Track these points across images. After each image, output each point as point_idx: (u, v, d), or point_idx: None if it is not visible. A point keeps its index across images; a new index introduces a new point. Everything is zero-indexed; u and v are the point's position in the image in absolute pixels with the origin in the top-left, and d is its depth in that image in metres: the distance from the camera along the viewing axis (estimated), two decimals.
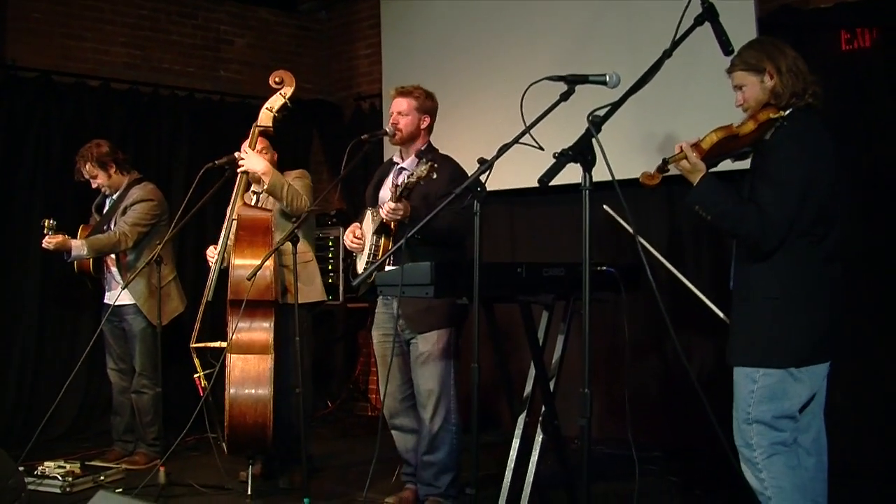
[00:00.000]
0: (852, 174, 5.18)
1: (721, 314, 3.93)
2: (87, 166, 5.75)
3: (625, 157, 5.58)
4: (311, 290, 5.28)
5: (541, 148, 3.07)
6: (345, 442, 6.65)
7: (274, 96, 5.17)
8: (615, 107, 2.58)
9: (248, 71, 7.88)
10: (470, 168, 4.27)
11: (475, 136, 5.17)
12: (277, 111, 5.16)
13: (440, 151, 4.77)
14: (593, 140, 2.46)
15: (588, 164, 2.41)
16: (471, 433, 3.22)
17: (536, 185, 2.60)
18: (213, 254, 5.16)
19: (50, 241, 5.55)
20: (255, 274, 4.56)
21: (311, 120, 8.03)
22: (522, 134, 3.07)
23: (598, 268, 4.31)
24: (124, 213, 5.73)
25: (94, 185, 5.84)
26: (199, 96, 7.49)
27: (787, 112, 3.33)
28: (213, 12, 7.71)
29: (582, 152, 2.39)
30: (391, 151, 5.36)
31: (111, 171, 5.79)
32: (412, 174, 4.22)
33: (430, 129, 4.81)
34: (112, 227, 5.71)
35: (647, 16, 5.78)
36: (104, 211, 5.89)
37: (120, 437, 5.94)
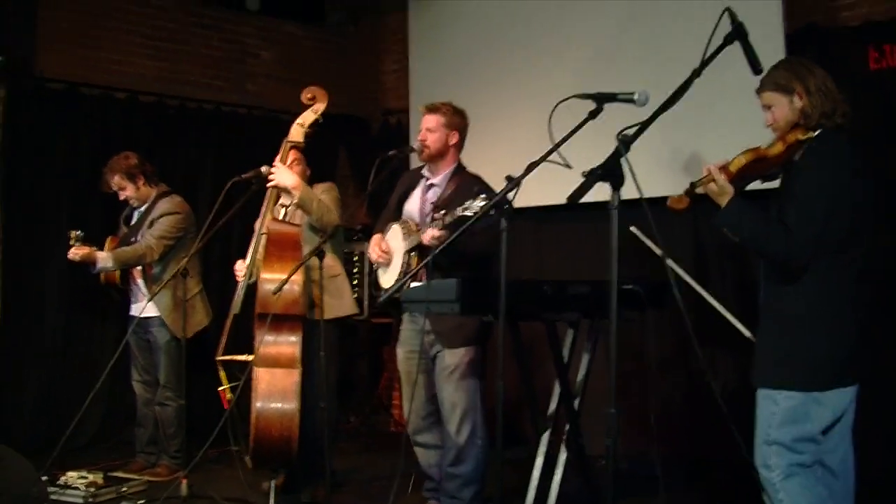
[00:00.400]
0: (882, 191, 5.13)
1: (748, 333, 3.90)
2: (115, 178, 5.77)
3: (651, 175, 5.52)
4: (340, 304, 5.27)
5: (568, 166, 3.07)
6: (367, 456, 6.64)
7: (306, 112, 5.17)
8: (644, 126, 2.57)
9: (275, 85, 7.91)
10: (497, 185, 4.28)
11: (502, 153, 5.17)
12: (309, 126, 5.16)
13: (468, 170, 4.77)
14: (622, 159, 2.45)
15: (617, 184, 2.40)
16: (494, 449, 3.21)
17: (563, 202, 2.59)
18: (241, 268, 5.17)
19: (76, 253, 5.58)
20: (280, 288, 4.57)
21: (337, 135, 8.04)
22: (550, 152, 3.06)
23: (624, 286, 4.30)
24: (151, 225, 5.75)
25: (121, 197, 5.87)
26: (225, 109, 7.52)
27: (817, 133, 3.31)
28: (240, 25, 7.75)
29: (611, 172, 2.38)
30: (417, 162, 5.35)
31: (139, 183, 5.81)
32: (467, 207, 4.05)
33: (459, 146, 4.80)
34: (139, 239, 5.74)
35: (674, 32, 5.77)
36: (132, 223, 5.92)
37: (143, 449, 5.96)
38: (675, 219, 5.73)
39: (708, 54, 2.78)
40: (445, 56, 7.29)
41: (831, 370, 3.26)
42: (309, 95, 5.19)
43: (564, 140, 3.06)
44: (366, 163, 8.00)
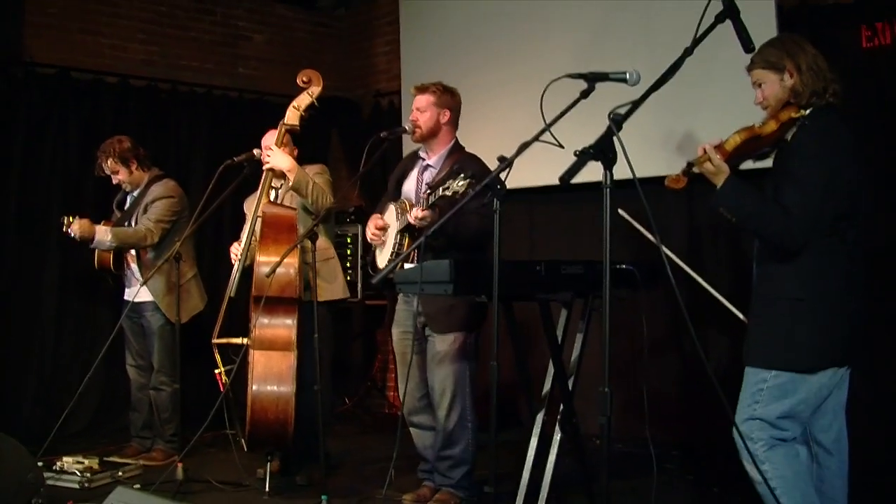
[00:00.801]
0: (874, 171, 5.15)
1: (741, 315, 3.89)
2: (108, 162, 5.75)
3: (643, 154, 5.48)
4: (333, 287, 5.29)
5: (560, 146, 3.07)
6: (362, 439, 6.66)
7: (301, 95, 5.18)
8: (636, 105, 2.57)
9: (267, 68, 7.89)
10: (490, 166, 4.28)
11: (494, 133, 5.17)
12: (304, 110, 5.18)
13: (466, 150, 4.76)
14: (614, 138, 2.44)
15: (609, 163, 2.40)
16: (489, 431, 3.21)
17: (555, 182, 2.59)
18: (237, 250, 5.16)
19: (75, 228, 5.52)
20: (273, 270, 4.58)
21: (329, 117, 8.01)
22: (542, 132, 3.06)
23: (617, 266, 4.30)
24: (146, 210, 5.73)
25: (114, 181, 5.85)
26: (217, 93, 7.50)
27: (808, 111, 3.30)
28: (232, 8, 7.72)
29: (603, 151, 2.38)
30: (410, 148, 5.35)
31: (132, 167, 5.79)
32: (447, 186, 4.09)
33: (453, 123, 4.78)
34: (133, 224, 5.72)
35: (664, 11, 5.76)
36: (125, 207, 5.90)
37: (138, 434, 5.96)
38: (668, 198, 5.78)
39: (699, 33, 2.76)
40: (437, 37, 7.28)
41: (825, 351, 3.26)
42: (304, 78, 5.19)
43: (556, 120, 3.06)
44: (358, 145, 7.93)
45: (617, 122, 2.44)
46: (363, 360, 8.13)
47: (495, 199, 3.04)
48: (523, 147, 3.08)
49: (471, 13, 7.03)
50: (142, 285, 5.54)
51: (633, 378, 5.96)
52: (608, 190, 2.40)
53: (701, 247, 5.87)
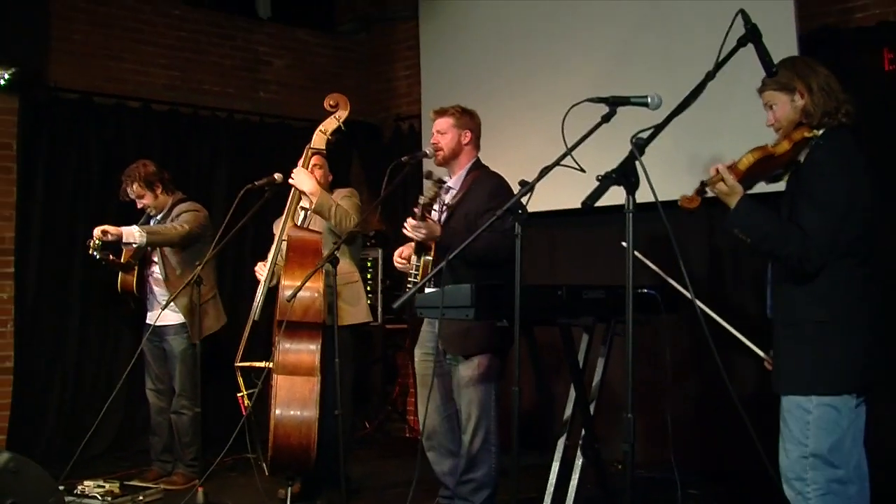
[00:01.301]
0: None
1: (753, 346, 3.75)
2: (133, 186, 5.76)
3: (662, 178, 5.46)
4: (356, 310, 5.28)
5: (582, 170, 3.07)
6: (383, 463, 6.63)
7: (328, 119, 5.21)
8: (658, 129, 2.56)
9: (287, 92, 7.93)
10: (515, 189, 4.26)
11: (514, 157, 5.17)
12: (331, 134, 5.21)
13: (488, 168, 4.77)
14: (636, 163, 2.43)
15: (632, 187, 2.39)
16: (511, 455, 3.19)
17: (575, 206, 2.58)
18: (262, 270, 5.18)
19: (96, 233, 5.48)
20: (294, 295, 4.58)
21: (350, 141, 8.03)
22: (564, 156, 3.06)
23: (639, 290, 4.28)
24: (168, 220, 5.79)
25: (139, 206, 5.86)
26: (238, 117, 7.53)
27: (821, 131, 3.26)
28: (252, 33, 7.77)
29: (626, 175, 2.37)
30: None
31: (157, 191, 5.82)
32: (421, 196, 4.21)
33: (474, 144, 4.78)
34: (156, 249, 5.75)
35: (684, 35, 5.77)
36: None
37: (158, 458, 5.96)
38: (688, 223, 5.76)
39: (721, 56, 2.75)
40: (456, 62, 7.30)
41: (856, 371, 3.20)
42: (332, 102, 5.23)
43: (578, 144, 3.06)
44: (379, 169, 7.98)
45: (639, 146, 2.43)
46: (383, 383, 8.11)
47: (517, 224, 3.02)
48: (545, 171, 3.08)
49: (490, 38, 7.05)
50: (164, 308, 5.54)
51: (655, 403, 5.92)
52: (631, 214, 2.38)
53: (722, 270, 5.84)
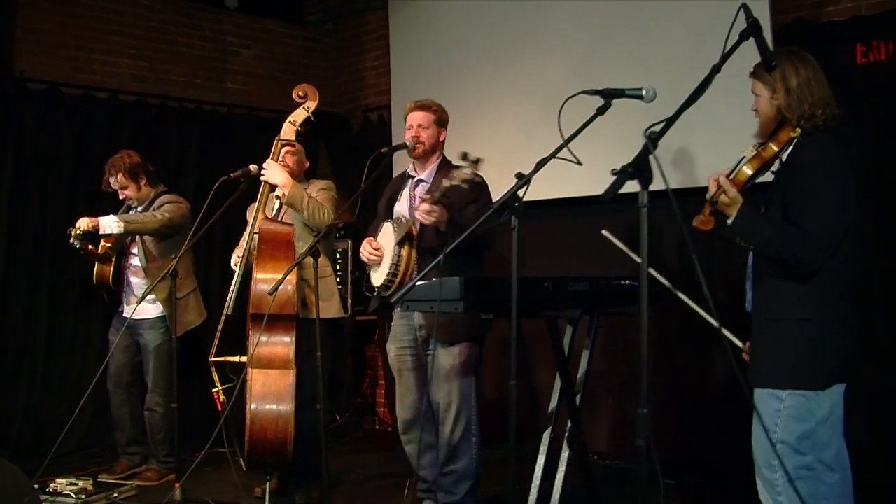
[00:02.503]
0: (872, 188, 5.18)
1: (732, 337, 3.76)
2: (118, 176, 5.67)
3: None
4: (330, 305, 5.24)
5: (579, 163, 3.05)
6: (356, 456, 6.61)
7: (297, 110, 5.15)
8: (670, 122, 2.55)
9: (255, 83, 7.86)
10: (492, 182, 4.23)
11: (484, 147, 5.11)
12: (301, 125, 5.13)
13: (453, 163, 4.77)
14: (650, 156, 2.42)
15: (646, 182, 2.38)
16: (492, 447, 3.18)
17: (552, 197, 2.55)
18: (236, 258, 5.13)
19: (79, 223, 5.43)
20: (276, 288, 4.53)
21: (317, 132, 7.98)
22: (560, 148, 3.05)
23: (622, 281, 4.30)
24: (147, 208, 5.72)
25: (121, 196, 5.77)
26: (207, 108, 7.44)
27: (801, 131, 3.25)
28: (221, 23, 7.68)
29: (640, 169, 2.36)
30: (401, 163, 5.32)
31: (141, 182, 5.74)
32: (452, 177, 4.16)
33: (444, 142, 4.86)
34: (136, 239, 5.68)
35: (661, 27, 5.77)
36: None
37: (124, 451, 5.87)
38: (664, 216, 5.77)
39: (727, 49, 2.76)
40: (427, 52, 7.26)
41: (834, 368, 3.23)
42: (300, 93, 5.16)
43: (573, 136, 3.06)
44: (347, 160, 7.98)
45: (653, 139, 2.42)
46: (353, 376, 8.07)
47: (513, 217, 3.01)
48: (541, 164, 3.07)
49: (461, 28, 7.01)
50: (140, 301, 5.44)
51: (629, 395, 5.95)
52: (645, 209, 2.38)
53: (701, 261, 5.86)
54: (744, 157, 3.29)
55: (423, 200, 4.42)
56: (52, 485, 5.09)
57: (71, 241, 5.44)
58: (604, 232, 4.29)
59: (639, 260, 2.45)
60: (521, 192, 3.04)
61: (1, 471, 4.20)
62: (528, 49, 6.54)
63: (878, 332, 5.04)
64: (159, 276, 5.39)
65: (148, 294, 5.44)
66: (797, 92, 3.25)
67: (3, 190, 6.41)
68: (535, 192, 3.23)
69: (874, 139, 5.21)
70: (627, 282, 4.25)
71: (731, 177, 3.17)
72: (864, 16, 5.33)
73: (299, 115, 5.13)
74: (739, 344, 3.64)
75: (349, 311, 7.29)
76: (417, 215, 4.37)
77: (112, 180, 5.70)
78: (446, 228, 4.39)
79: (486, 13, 6.83)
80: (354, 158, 7.90)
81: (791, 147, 3.29)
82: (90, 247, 5.58)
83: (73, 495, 5.02)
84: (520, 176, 3.04)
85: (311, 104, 5.13)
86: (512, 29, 6.65)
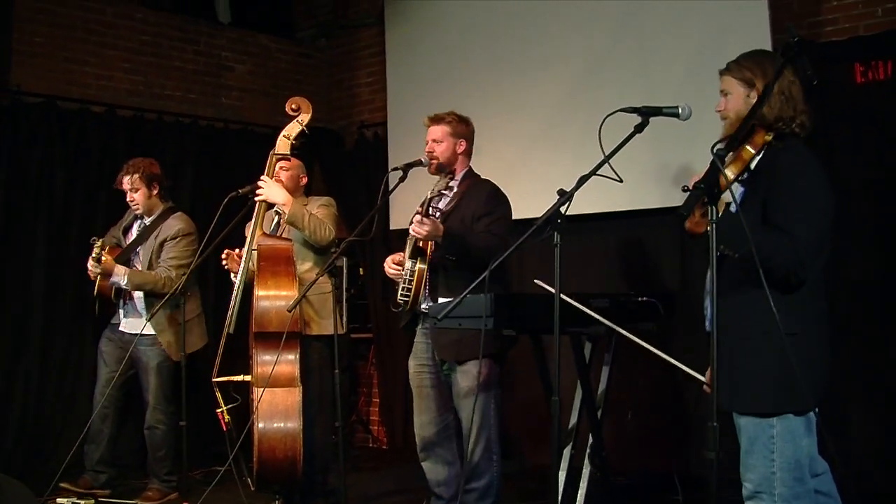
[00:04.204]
0: (869, 206, 5.24)
1: (688, 370, 3.60)
2: (133, 176, 5.61)
3: (640, 187, 5.60)
4: (329, 322, 5.18)
5: (620, 180, 3.07)
6: (354, 474, 6.53)
7: (291, 124, 5.07)
8: (733, 138, 2.57)
9: (250, 98, 7.82)
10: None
11: (484, 164, 5.13)
12: (295, 139, 5.06)
13: (480, 176, 4.77)
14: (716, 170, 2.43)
15: (714, 198, 2.40)
16: (553, 463, 3.17)
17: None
18: (231, 260, 5.05)
19: (95, 268, 5.39)
20: (296, 305, 4.52)
21: (311, 148, 7.95)
22: (601, 165, 3.06)
23: (640, 298, 4.32)
24: (161, 246, 5.62)
25: (129, 199, 5.69)
26: (202, 123, 7.40)
27: (774, 135, 3.13)
28: (214, 38, 7.64)
29: (710, 185, 2.38)
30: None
31: (153, 192, 5.68)
32: (432, 189, 4.24)
33: (467, 153, 4.78)
34: (138, 251, 5.62)
35: (660, 44, 5.82)
36: (132, 234, 5.76)
37: (93, 468, 5.72)
38: (662, 232, 5.80)
39: (779, 65, 2.78)
40: (424, 68, 7.26)
41: (818, 386, 3.10)
42: (293, 106, 5.10)
43: (614, 153, 3.07)
44: (340, 176, 7.94)
45: (721, 157, 2.44)
46: (348, 394, 8.01)
47: (556, 234, 3.01)
48: (583, 180, 3.07)
49: (459, 43, 7.02)
50: (148, 320, 5.38)
51: (621, 411, 5.94)
52: (714, 226, 2.39)
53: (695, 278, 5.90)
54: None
55: (419, 213, 4.40)
56: None
57: (94, 254, 5.37)
58: (536, 281, 4.08)
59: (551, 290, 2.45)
60: (562, 209, 3.03)
61: (10, 489, 4.15)
62: (526, 65, 6.56)
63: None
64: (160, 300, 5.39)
65: (157, 311, 5.37)
66: (779, 94, 3.12)
67: None
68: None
69: (873, 158, 5.28)
70: (645, 298, 4.28)
71: (688, 210, 2.75)
72: (863, 36, 5.40)
73: (293, 129, 5.05)
74: (699, 377, 3.48)
75: (344, 328, 7.25)
76: (410, 229, 4.35)
77: (127, 178, 5.63)
78: (443, 242, 4.34)
79: (485, 29, 6.85)
80: (349, 174, 7.89)
81: (761, 154, 3.15)
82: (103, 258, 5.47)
83: None
84: (562, 192, 3.03)
85: (305, 117, 5.06)
86: (510, 45, 6.67)
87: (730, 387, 3.09)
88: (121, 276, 5.42)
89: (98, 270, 5.40)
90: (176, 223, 5.66)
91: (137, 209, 5.73)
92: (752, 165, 3.15)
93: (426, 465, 4.76)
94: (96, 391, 5.75)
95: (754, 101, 3.12)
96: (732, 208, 2.76)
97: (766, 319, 2.94)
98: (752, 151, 3.08)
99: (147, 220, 5.73)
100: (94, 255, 5.36)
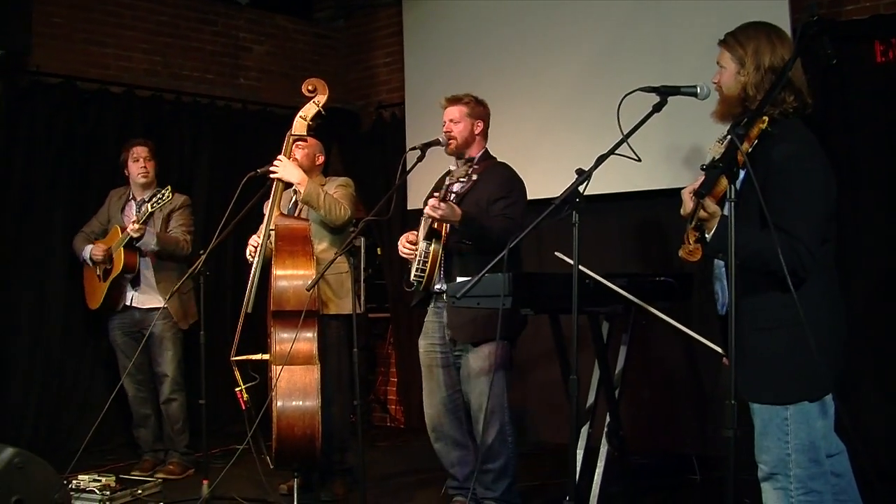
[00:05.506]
0: (888, 184, 5.22)
1: (713, 345, 3.60)
2: (151, 151, 5.90)
3: (656, 167, 5.59)
4: (346, 302, 5.18)
5: (638, 159, 3.07)
6: (372, 453, 6.58)
7: (308, 104, 5.06)
8: (752, 118, 2.56)
9: (267, 78, 7.83)
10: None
11: (501, 145, 5.12)
12: (311, 119, 5.06)
13: (496, 159, 4.76)
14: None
15: (733, 177, 2.40)
16: (570, 445, 3.18)
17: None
18: (255, 241, 5.10)
19: (138, 229, 5.53)
20: (315, 284, 4.55)
21: (328, 129, 7.95)
22: (619, 144, 3.06)
23: (657, 278, 4.32)
24: (169, 216, 5.79)
25: (136, 171, 5.84)
26: (220, 104, 7.42)
27: (768, 120, 2.85)
28: (233, 19, 7.64)
29: (729, 164, 2.38)
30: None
31: (156, 171, 5.92)
32: (451, 174, 4.28)
33: (484, 134, 4.78)
34: (148, 229, 5.65)
35: (677, 22, 5.82)
36: (133, 213, 5.79)
37: (151, 448, 5.91)
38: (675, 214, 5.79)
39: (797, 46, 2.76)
40: (441, 48, 7.25)
41: (829, 374, 3.00)
42: (310, 87, 5.09)
43: (632, 132, 3.07)
44: (359, 157, 7.95)
45: (740, 136, 2.43)
46: (365, 373, 8.06)
47: (574, 213, 3.01)
48: (601, 159, 3.07)
49: (476, 24, 7.01)
50: (170, 296, 5.59)
51: (637, 392, 5.96)
52: (733, 204, 2.39)
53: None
54: (713, 157, 2.91)
55: (433, 196, 4.41)
56: (73, 482, 5.05)
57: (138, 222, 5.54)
58: (557, 254, 4.02)
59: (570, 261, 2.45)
60: (581, 188, 3.03)
61: (33, 467, 4.18)
62: (543, 46, 6.55)
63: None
64: (168, 265, 5.76)
65: (179, 286, 5.50)
66: (770, 72, 2.99)
67: (14, 182, 6.35)
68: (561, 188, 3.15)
69: (892, 136, 5.25)
70: (662, 278, 4.28)
71: (708, 189, 2.71)
72: (883, 14, 5.37)
73: (310, 110, 5.05)
74: (719, 349, 3.45)
75: (361, 308, 7.28)
76: (425, 210, 4.35)
77: (143, 149, 5.85)
78: (459, 226, 4.34)
79: (501, 10, 6.84)
80: (367, 155, 7.89)
81: (757, 140, 2.90)
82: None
83: (98, 491, 4.98)
84: (580, 171, 3.04)
85: (322, 98, 5.06)
86: (527, 26, 6.66)
87: (742, 376, 2.97)
88: (151, 236, 5.59)
89: (136, 234, 5.53)
90: (177, 196, 5.77)
91: (140, 180, 5.83)
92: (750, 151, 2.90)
93: (437, 447, 4.78)
94: (127, 379, 5.81)
95: (744, 78, 3.03)
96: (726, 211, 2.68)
97: (773, 310, 2.93)
98: (748, 147, 2.80)
99: (147, 195, 5.78)
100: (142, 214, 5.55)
